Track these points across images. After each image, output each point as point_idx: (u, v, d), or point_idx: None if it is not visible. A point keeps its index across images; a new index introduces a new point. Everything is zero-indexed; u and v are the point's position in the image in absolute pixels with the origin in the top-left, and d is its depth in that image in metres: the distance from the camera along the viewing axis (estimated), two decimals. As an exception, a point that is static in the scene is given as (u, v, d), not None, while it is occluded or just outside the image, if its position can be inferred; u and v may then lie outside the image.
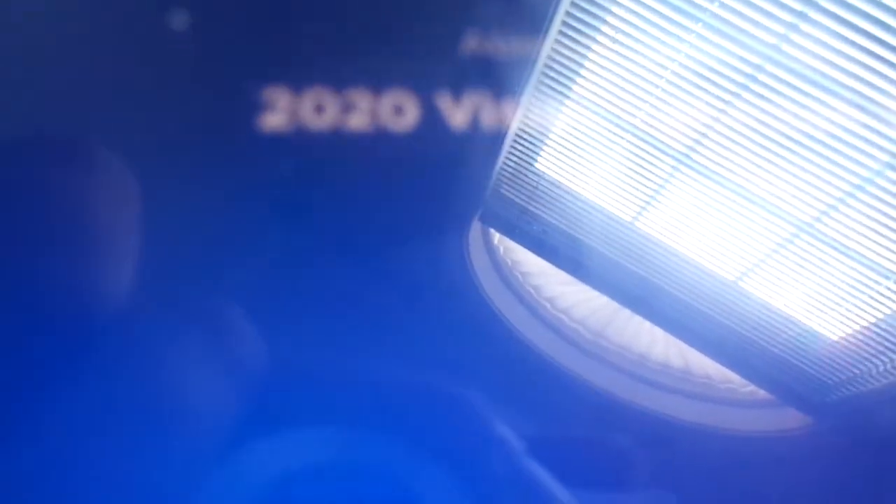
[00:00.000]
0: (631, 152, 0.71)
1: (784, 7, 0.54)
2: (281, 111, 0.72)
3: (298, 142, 0.81)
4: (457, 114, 0.71)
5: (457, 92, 0.69)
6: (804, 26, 0.54)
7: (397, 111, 0.71)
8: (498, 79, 0.67)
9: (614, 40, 0.63)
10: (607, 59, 0.64)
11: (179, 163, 0.76)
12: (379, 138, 0.78)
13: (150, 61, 0.61)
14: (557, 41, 0.65)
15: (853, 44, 0.54)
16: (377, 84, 0.71)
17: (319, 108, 0.73)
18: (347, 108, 0.73)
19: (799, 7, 0.54)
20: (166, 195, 0.71)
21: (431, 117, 0.70)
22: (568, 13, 0.64)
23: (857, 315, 0.74)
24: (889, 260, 0.67)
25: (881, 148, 0.59)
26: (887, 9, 0.52)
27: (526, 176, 0.82)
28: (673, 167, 0.70)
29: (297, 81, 0.73)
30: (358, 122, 0.73)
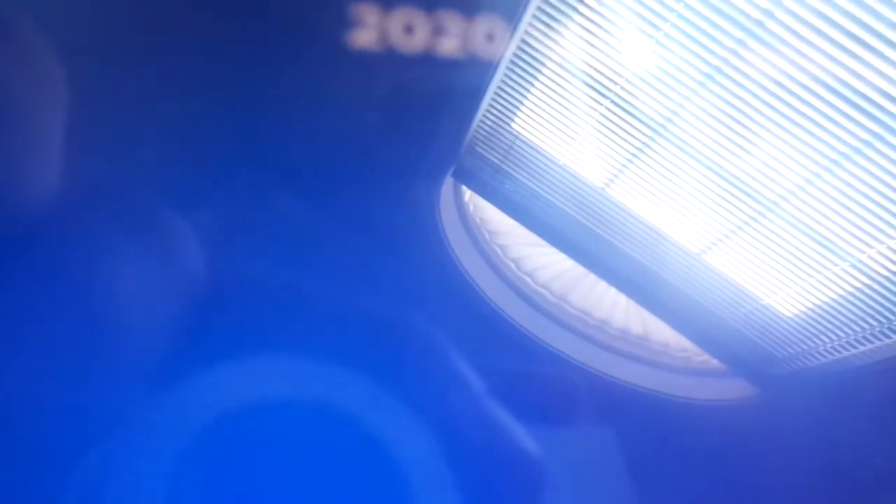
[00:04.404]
0: (608, 119, 0.71)
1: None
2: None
3: (285, 93, 0.79)
4: (437, 66, 0.70)
5: (438, 44, 0.67)
6: (779, 12, 0.54)
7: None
8: (480, 35, 0.66)
9: (601, 3, 0.62)
10: (592, 22, 0.64)
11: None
12: (360, 83, 0.76)
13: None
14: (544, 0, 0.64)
15: (826, 33, 0.54)
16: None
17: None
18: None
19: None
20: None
21: (413, 67, 0.69)
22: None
23: (811, 294, 0.77)
24: (847, 242, 0.69)
25: (850, 132, 0.60)
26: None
27: (502, 135, 0.82)
28: (649, 137, 0.70)
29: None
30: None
